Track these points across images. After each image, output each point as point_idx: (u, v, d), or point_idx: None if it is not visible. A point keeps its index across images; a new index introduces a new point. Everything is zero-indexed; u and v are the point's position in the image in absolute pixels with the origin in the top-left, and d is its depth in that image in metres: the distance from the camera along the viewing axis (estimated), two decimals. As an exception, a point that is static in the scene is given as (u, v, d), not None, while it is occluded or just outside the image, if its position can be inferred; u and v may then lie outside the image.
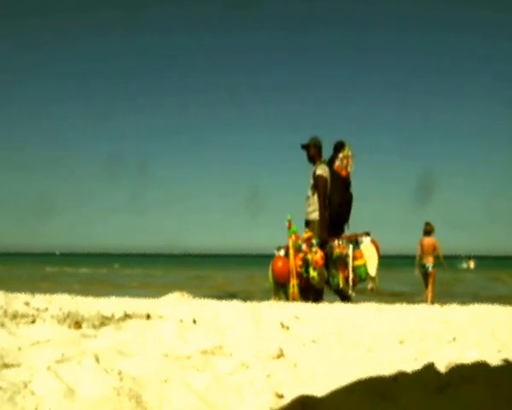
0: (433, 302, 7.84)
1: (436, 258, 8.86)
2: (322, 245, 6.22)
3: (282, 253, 6.25)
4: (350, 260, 6.18)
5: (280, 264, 6.17)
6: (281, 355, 2.47)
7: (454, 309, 4.88)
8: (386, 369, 2.15)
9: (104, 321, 3.51)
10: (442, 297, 8.28)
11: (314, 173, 6.47)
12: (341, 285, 6.18)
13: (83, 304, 4.75)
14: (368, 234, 6.40)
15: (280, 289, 6.23)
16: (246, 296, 7.27)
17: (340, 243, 6.25)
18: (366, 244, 6.31)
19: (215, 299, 5.92)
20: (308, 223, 6.47)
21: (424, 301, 8.34)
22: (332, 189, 6.42)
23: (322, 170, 6.40)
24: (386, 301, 5.82)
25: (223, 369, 2.22)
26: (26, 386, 1.86)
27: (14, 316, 3.68)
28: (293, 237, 6.23)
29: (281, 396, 1.90)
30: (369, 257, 6.25)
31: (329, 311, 4.66)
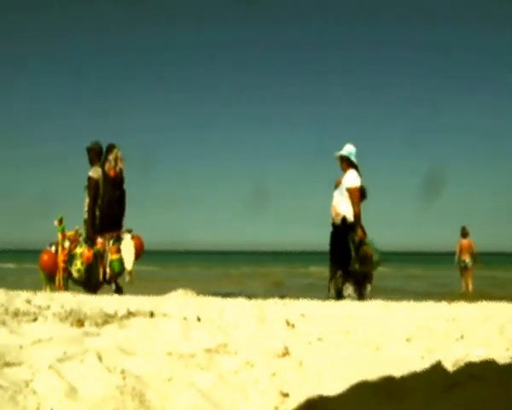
0: (473, 291, 11.13)
1: (472, 255, 11.64)
2: (91, 242, 6.80)
3: (53, 248, 6.81)
4: (107, 254, 6.75)
5: (45, 257, 6.78)
6: (286, 354, 2.44)
7: (462, 307, 4.85)
8: (393, 367, 2.13)
9: (107, 319, 3.49)
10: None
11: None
12: (101, 279, 6.74)
13: (85, 302, 4.74)
14: (130, 231, 6.96)
15: (50, 281, 6.80)
16: (250, 294, 7.26)
17: (102, 239, 6.78)
18: (126, 240, 6.82)
19: (219, 296, 5.91)
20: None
21: (465, 290, 11.36)
22: (103, 189, 6.94)
23: (92, 172, 6.96)
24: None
25: (227, 368, 2.20)
26: (27, 385, 1.85)
27: (16, 314, 3.67)
28: (61, 234, 6.84)
29: (286, 395, 1.87)
30: (127, 252, 6.76)
31: (335, 308, 4.64)
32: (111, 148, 7.02)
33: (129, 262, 6.74)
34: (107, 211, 6.89)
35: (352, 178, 6.45)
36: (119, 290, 6.77)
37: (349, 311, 4.41)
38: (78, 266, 6.60)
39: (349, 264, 6.31)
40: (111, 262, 6.70)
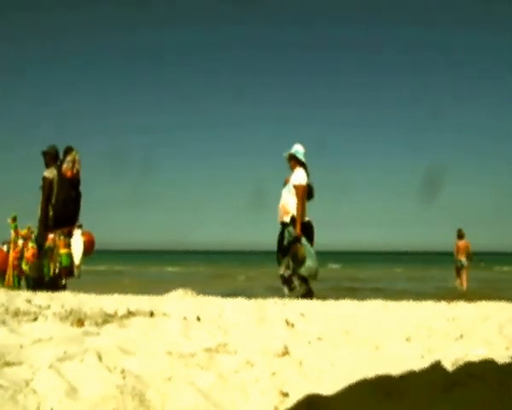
0: (467, 289, 12.14)
1: (467, 255, 12.60)
2: (42, 239, 6.99)
3: (5, 247, 7.07)
4: (56, 249, 6.94)
5: None
6: (286, 353, 2.45)
7: (461, 306, 4.85)
8: (393, 367, 2.13)
9: (107, 319, 3.49)
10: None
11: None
12: (51, 273, 6.90)
13: (85, 301, 4.73)
14: (80, 226, 7.15)
15: (1, 278, 7.02)
16: (250, 293, 7.25)
17: (53, 235, 6.97)
18: (76, 236, 7.05)
19: (219, 296, 5.90)
20: None
21: (460, 288, 12.44)
22: (59, 188, 7.14)
23: (47, 172, 7.15)
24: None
25: (227, 367, 2.20)
26: (27, 384, 1.85)
27: (16, 314, 3.67)
28: (13, 232, 7.08)
29: (286, 395, 1.87)
30: (76, 247, 6.98)
31: (335, 308, 4.64)
32: (69, 150, 7.28)
33: (77, 257, 6.96)
34: (62, 210, 7.11)
35: (298, 176, 6.60)
36: (64, 287, 6.95)
37: (349, 311, 4.41)
38: (24, 267, 6.90)
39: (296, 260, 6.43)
40: (59, 257, 6.92)
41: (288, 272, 6.52)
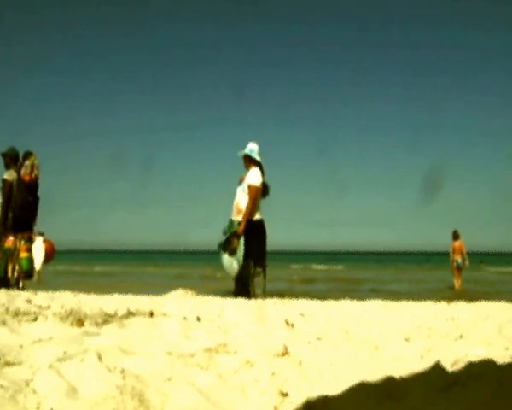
0: (461, 288, 12.94)
1: (463, 255, 13.22)
2: (3, 238, 7.17)
3: None
4: (17, 253, 7.12)
5: None
6: (286, 353, 2.45)
7: (461, 306, 4.85)
8: (393, 367, 2.13)
9: (107, 319, 3.49)
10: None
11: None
12: (9, 274, 7.08)
13: (85, 301, 4.74)
14: (42, 234, 7.34)
15: None
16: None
17: (14, 239, 7.15)
18: (37, 242, 7.22)
19: (219, 296, 5.91)
20: None
21: (455, 286, 13.07)
22: (17, 192, 7.28)
23: (7, 175, 7.30)
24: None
25: (227, 367, 2.20)
26: (27, 384, 1.84)
27: (16, 314, 3.67)
28: None
29: (286, 395, 1.87)
30: (37, 253, 7.15)
31: (335, 308, 4.64)
32: (28, 155, 7.37)
33: (38, 263, 7.14)
34: (19, 214, 7.26)
35: (253, 176, 6.63)
36: (22, 289, 6.99)
37: (348, 311, 4.41)
38: None
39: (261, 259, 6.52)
40: (20, 260, 7.07)
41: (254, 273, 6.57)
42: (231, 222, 6.61)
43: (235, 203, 6.72)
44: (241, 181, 6.79)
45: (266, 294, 6.36)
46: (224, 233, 6.66)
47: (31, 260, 7.09)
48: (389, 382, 1.76)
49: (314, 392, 1.76)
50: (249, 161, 6.75)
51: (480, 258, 35.47)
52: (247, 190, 6.56)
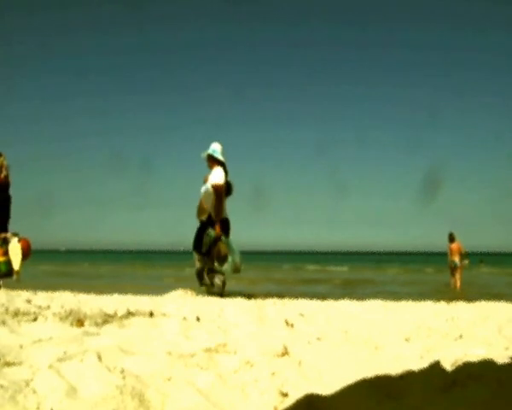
0: (461, 288, 13.00)
1: (461, 255, 13.45)
2: None
3: None
4: None
5: None
6: (285, 353, 2.45)
7: (460, 306, 4.85)
8: (392, 367, 2.13)
9: (107, 319, 3.49)
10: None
11: None
12: None
13: (85, 302, 4.74)
14: (16, 234, 7.38)
15: None
16: (250, 294, 7.25)
17: None
18: (13, 243, 7.27)
19: (219, 296, 5.91)
20: None
21: (453, 287, 13.21)
22: None
23: None
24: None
25: (227, 367, 2.20)
26: (27, 385, 1.84)
27: (16, 314, 3.67)
28: None
29: (285, 395, 1.87)
30: (14, 254, 7.23)
31: (335, 308, 4.64)
32: None
33: (16, 263, 7.21)
34: None
35: (216, 175, 6.70)
36: None
37: (348, 311, 4.41)
38: None
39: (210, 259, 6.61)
40: None
41: (201, 268, 6.83)
42: (206, 232, 6.63)
43: (198, 203, 6.81)
44: (205, 181, 6.85)
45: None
46: (198, 238, 6.73)
47: (9, 264, 7.18)
48: (389, 382, 1.76)
49: (314, 392, 1.76)
50: (212, 160, 6.83)
51: (479, 258, 35.45)
52: (210, 189, 6.61)
